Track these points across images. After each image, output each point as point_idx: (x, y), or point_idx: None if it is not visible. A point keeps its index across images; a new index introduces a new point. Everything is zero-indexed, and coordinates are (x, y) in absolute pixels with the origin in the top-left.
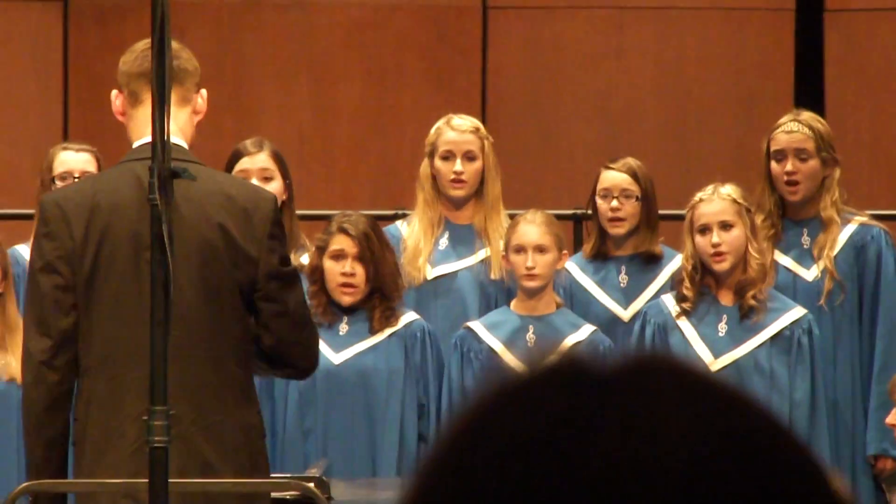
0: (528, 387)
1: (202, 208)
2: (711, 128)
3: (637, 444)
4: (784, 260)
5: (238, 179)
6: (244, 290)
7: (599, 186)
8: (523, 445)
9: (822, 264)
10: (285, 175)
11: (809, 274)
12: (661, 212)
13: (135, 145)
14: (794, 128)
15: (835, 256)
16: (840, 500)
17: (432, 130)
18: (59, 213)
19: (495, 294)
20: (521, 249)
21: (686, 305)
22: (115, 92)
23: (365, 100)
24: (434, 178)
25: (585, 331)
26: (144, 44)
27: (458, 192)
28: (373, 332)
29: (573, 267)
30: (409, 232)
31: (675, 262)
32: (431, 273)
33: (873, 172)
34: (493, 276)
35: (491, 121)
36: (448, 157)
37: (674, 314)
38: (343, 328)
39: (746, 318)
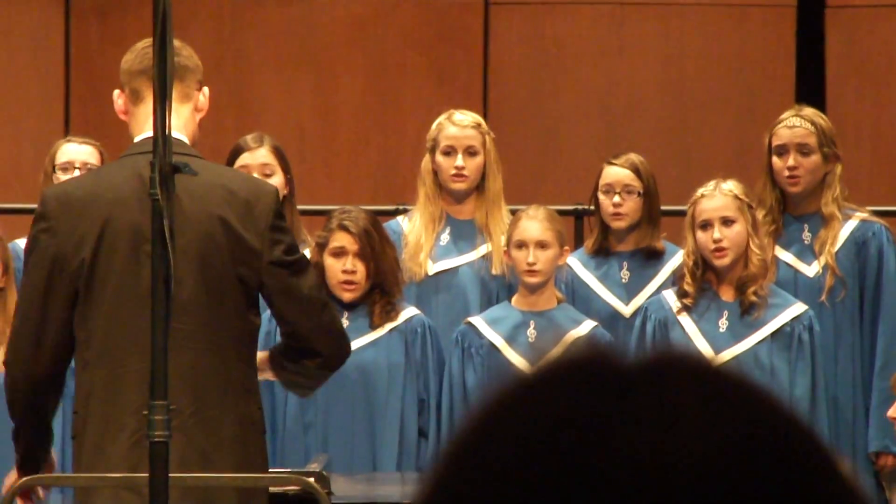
0: (548, 379)
1: (203, 202)
2: (712, 124)
3: (654, 439)
4: (785, 256)
5: (240, 173)
6: (249, 283)
7: (602, 182)
8: (540, 438)
9: (823, 260)
10: (286, 170)
11: (810, 270)
12: (662, 207)
13: (136, 140)
14: (796, 122)
15: (836, 253)
16: (857, 498)
17: (433, 126)
18: (58, 208)
19: (496, 289)
20: (522, 245)
21: (687, 301)
22: (117, 91)
23: (366, 95)
24: (435, 173)
25: (586, 326)
26: (145, 43)
27: (459, 186)
28: (373, 327)
29: (575, 262)
30: (411, 227)
31: (676, 258)
32: (433, 268)
33: (874, 168)
34: (494, 272)
35: (492, 116)
36: (449, 152)
37: (674, 310)
38: (343, 323)
39: (747, 313)
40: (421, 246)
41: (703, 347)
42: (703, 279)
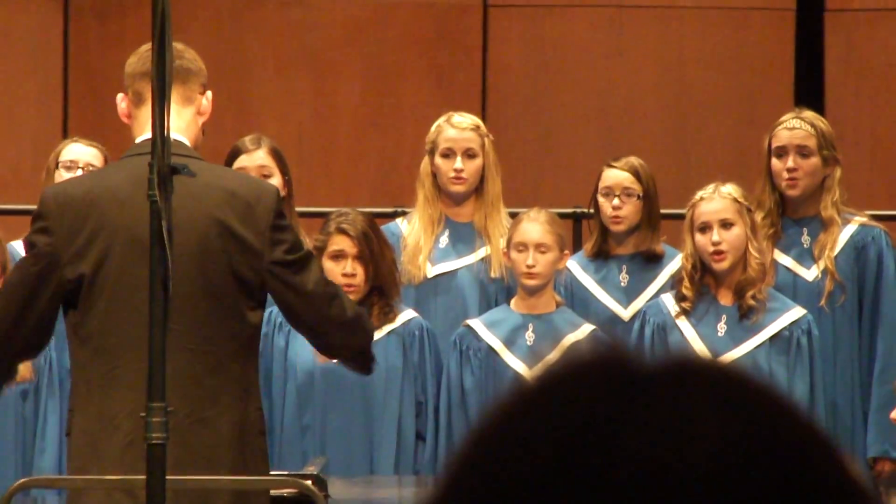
0: (562, 381)
1: (202, 204)
2: (711, 127)
3: (669, 441)
4: (784, 259)
5: (240, 174)
6: (251, 283)
7: (601, 185)
8: (554, 440)
9: (822, 264)
10: (284, 172)
11: (809, 274)
12: (660, 211)
13: (136, 142)
14: (796, 124)
15: (835, 257)
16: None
17: (432, 128)
18: (56, 208)
19: (495, 292)
20: (522, 247)
21: (685, 305)
22: (120, 95)
23: (365, 97)
24: (434, 175)
25: (585, 330)
26: (148, 45)
27: (457, 189)
28: None
29: (574, 266)
30: (410, 230)
31: (676, 262)
32: (431, 271)
33: (873, 173)
34: (493, 275)
35: (491, 119)
36: (448, 154)
37: (673, 314)
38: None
39: (746, 317)
40: (420, 248)
41: (702, 352)
42: (702, 283)
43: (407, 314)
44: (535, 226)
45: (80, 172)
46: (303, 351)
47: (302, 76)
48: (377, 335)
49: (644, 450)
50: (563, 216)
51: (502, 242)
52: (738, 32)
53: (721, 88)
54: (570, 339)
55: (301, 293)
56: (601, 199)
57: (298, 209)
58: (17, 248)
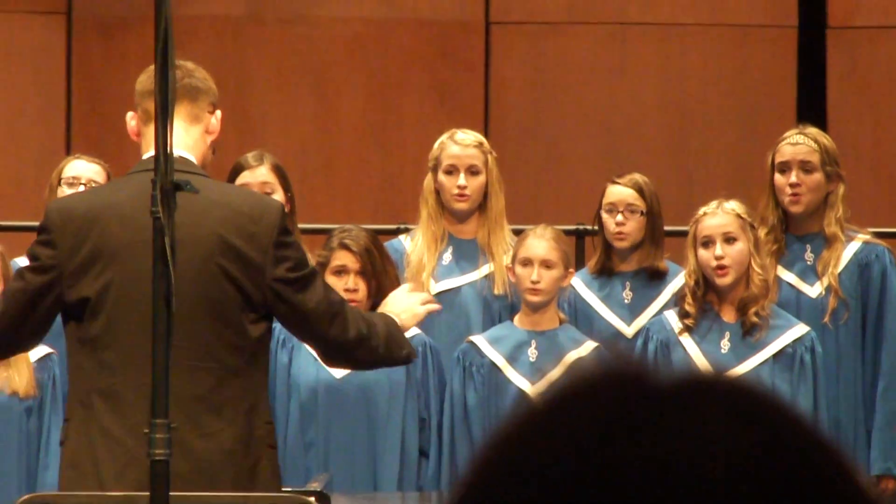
0: (581, 394)
1: (206, 220)
2: (714, 144)
3: (685, 456)
4: (787, 276)
5: (244, 190)
6: (253, 299)
7: (605, 201)
8: (571, 451)
9: (826, 281)
10: (287, 188)
11: (813, 291)
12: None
13: (143, 158)
14: (799, 140)
15: (839, 274)
16: None
17: (436, 144)
18: (59, 222)
19: (499, 309)
20: (527, 262)
21: (688, 322)
22: (130, 113)
23: (367, 114)
24: (437, 192)
25: (587, 347)
26: None
27: (461, 206)
28: None
29: (577, 282)
30: (413, 246)
31: (679, 279)
32: (435, 288)
33: (875, 190)
34: (496, 292)
35: (493, 136)
36: (451, 171)
37: (676, 330)
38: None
39: (749, 334)
40: (423, 265)
41: (706, 368)
42: (705, 300)
43: (410, 331)
44: (542, 242)
45: (82, 189)
46: (306, 367)
47: (304, 92)
48: None
49: (661, 461)
50: (565, 233)
51: (506, 259)
52: (740, 49)
53: (723, 105)
54: (573, 355)
55: (301, 312)
56: (605, 216)
57: (301, 225)
58: (20, 263)
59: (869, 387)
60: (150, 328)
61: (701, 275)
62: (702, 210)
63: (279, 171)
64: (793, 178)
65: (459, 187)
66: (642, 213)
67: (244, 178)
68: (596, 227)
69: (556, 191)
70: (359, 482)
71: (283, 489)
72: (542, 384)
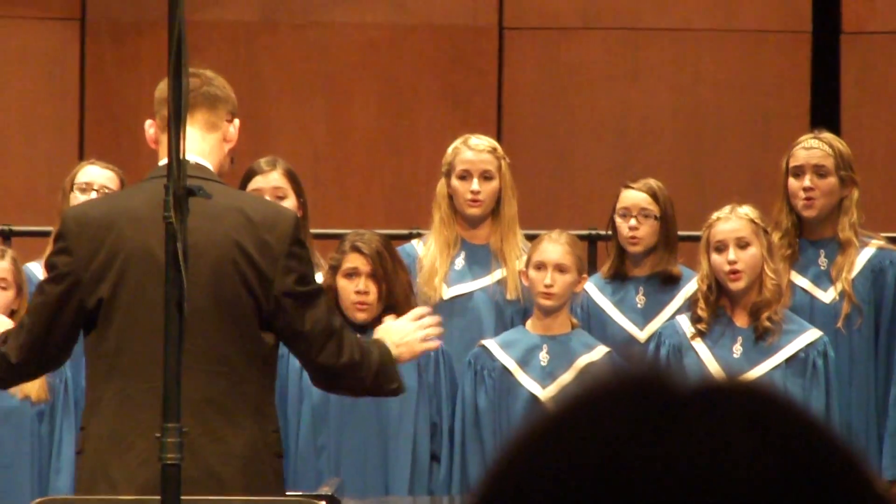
0: (603, 397)
1: (220, 226)
2: (727, 150)
3: (706, 462)
4: (801, 281)
5: (259, 198)
6: (262, 307)
7: (619, 206)
8: (592, 457)
9: (839, 286)
10: (299, 194)
11: (826, 296)
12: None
13: (159, 165)
14: (813, 144)
15: (852, 279)
16: None
17: (449, 150)
18: (76, 229)
19: (511, 315)
20: (541, 266)
21: (701, 326)
22: (149, 121)
23: (380, 119)
24: (450, 197)
25: (599, 351)
26: None
27: (474, 211)
28: None
29: (591, 287)
30: (425, 251)
31: (692, 284)
32: (447, 293)
33: (889, 195)
34: (509, 297)
35: (506, 141)
36: (465, 176)
37: (688, 335)
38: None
39: (761, 339)
40: (436, 270)
41: (717, 373)
42: (718, 304)
43: None
44: (556, 246)
45: (94, 195)
46: None
47: (317, 98)
48: None
49: (681, 466)
50: (578, 237)
51: (518, 264)
52: (753, 54)
53: (736, 110)
54: (584, 360)
55: (297, 329)
56: (618, 220)
57: (313, 231)
58: (34, 269)
59: (882, 392)
60: (162, 333)
61: (714, 280)
62: (715, 215)
63: (292, 177)
64: (806, 182)
65: (473, 192)
66: (656, 217)
67: (256, 183)
68: (609, 232)
69: (568, 196)
70: (370, 486)
71: (295, 493)
72: (554, 389)
